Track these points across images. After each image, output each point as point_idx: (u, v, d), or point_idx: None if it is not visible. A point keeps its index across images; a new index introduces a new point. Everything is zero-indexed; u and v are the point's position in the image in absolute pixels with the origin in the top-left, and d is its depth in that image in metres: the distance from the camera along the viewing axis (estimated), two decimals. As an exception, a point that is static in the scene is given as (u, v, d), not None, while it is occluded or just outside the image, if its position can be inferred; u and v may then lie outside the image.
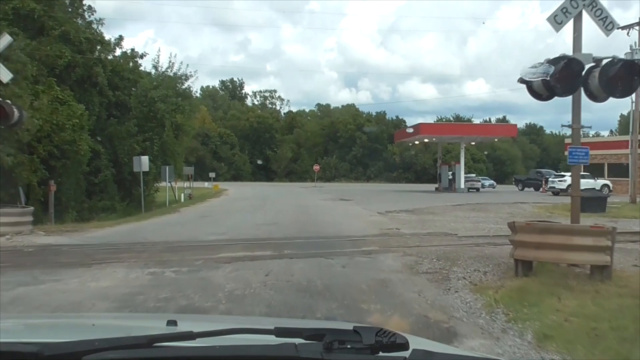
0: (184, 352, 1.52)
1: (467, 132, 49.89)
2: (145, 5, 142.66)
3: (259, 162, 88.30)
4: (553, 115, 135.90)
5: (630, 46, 33.50)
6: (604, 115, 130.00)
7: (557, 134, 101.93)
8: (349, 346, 1.46)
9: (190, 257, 12.63)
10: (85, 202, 30.82)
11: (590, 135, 78.74)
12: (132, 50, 37.16)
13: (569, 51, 10.88)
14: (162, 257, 12.51)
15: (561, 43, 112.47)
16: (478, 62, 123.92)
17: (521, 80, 10.25)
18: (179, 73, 40.35)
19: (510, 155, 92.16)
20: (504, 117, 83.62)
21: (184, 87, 40.72)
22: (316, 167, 72.69)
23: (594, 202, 29.09)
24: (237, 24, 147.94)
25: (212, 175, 59.79)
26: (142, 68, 38.24)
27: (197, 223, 22.72)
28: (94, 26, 34.11)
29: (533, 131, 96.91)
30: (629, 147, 36.70)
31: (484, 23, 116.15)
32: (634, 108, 35.09)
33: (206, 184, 59.65)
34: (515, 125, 54.10)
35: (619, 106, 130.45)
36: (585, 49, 10.68)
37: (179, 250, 13.93)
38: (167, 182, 34.44)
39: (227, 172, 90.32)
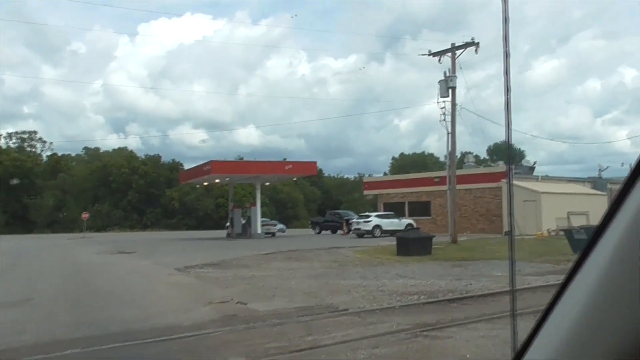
0: None
1: (263, 171, 43.71)
2: None
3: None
4: (322, 160, 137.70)
5: (445, 72, 30.55)
6: (367, 159, 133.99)
7: (335, 176, 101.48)
8: None
9: None
10: None
11: (367, 176, 78.51)
12: None
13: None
14: None
15: (323, 93, 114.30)
16: (249, 109, 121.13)
17: None
18: None
19: (292, 198, 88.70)
20: (285, 159, 79.49)
21: None
22: (85, 215, 62.02)
23: (420, 243, 25.41)
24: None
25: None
26: None
27: None
28: None
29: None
30: (447, 183, 33.28)
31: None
32: (449, 147, 31.90)
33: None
34: (315, 162, 49.19)
35: (382, 151, 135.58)
36: None
37: None
38: None
39: (-25, 225, 74.58)
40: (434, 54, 31.71)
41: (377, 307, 10.62)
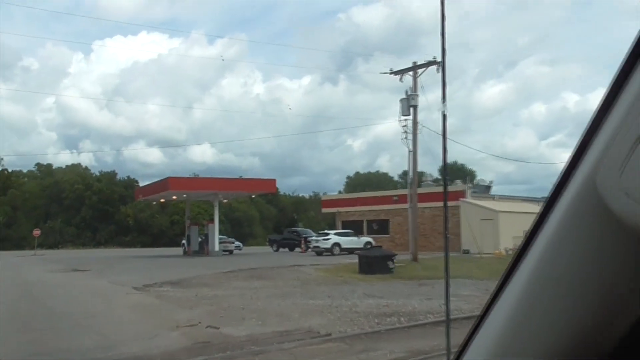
0: None
1: (221, 188, 42.40)
2: None
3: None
4: (277, 179, 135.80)
5: (406, 91, 30.12)
6: (321, 178, 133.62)
7: (290, 195, 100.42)
8: None
9: None
10: None
11: (322, 195, 77.76)
12: None
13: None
14: None
15: (278, 111, 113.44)
16: (203, 127, 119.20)
17: None
18: None
19: (248, 216, 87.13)
20: (241, 176, 78.02)
21: None
22: (36, 232, 59.42)
23: (382, 262, 24.50)
24: None
25: None
26: None
27: None
28: None
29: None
30: (408, 201, 32.70)
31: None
32: (410, 165, 31.45)
33: None
34: (274, 180, 48.11)
35: (335, 170, 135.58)
36: None
37: None
38: None
39: None
40: (396, 73, 31.20)
41: (359, 331, 9.72)
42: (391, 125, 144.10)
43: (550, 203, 0.88)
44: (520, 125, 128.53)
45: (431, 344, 8.33)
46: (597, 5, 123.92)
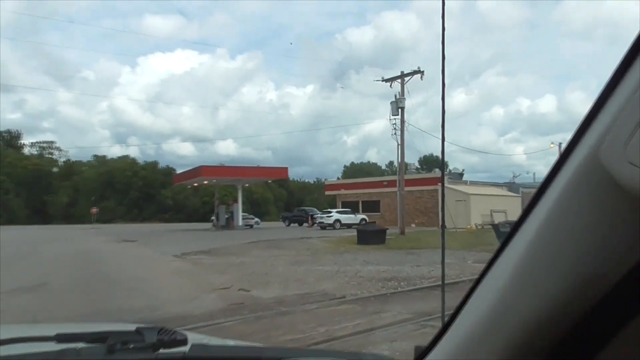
0: None
1: (244, 174, 42.04)
2: None
3: None
4: (288, 168, 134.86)
5: (395, 95, 29.39)
6: (322, 167, 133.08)
7: (297, 180, 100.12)
8: (131, 346, 1.10)
9: None
10: None
11: (324, 181, 77.13)
12: None
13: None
14: None
15: (287, 115, 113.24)
16: (227, 126, 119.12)
17: None
18: None
19: (264, 198, 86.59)
20: (258, 166, 77.47)
21: None
22: (94, 210, 59.03)
23: (376, 235, 24.18)
24: (11, 86, 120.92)
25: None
26: None
27: None
28: None
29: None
30: (397, 186, 32.09)
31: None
32: (399, 156, 30.82)
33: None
34: (287, 168, 47.86)
35: (333, 161, 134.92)
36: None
37: None
38: None
39: (1, 217, 70.05)
40: (387, 80, 30.49)
41: (368, 294, 9.14)
42: (378, 124, 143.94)
43: (550, 177, 0.72)
44: (483, 124, 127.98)
45: (431, 306, 7.73)
46: (544, 29, 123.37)
